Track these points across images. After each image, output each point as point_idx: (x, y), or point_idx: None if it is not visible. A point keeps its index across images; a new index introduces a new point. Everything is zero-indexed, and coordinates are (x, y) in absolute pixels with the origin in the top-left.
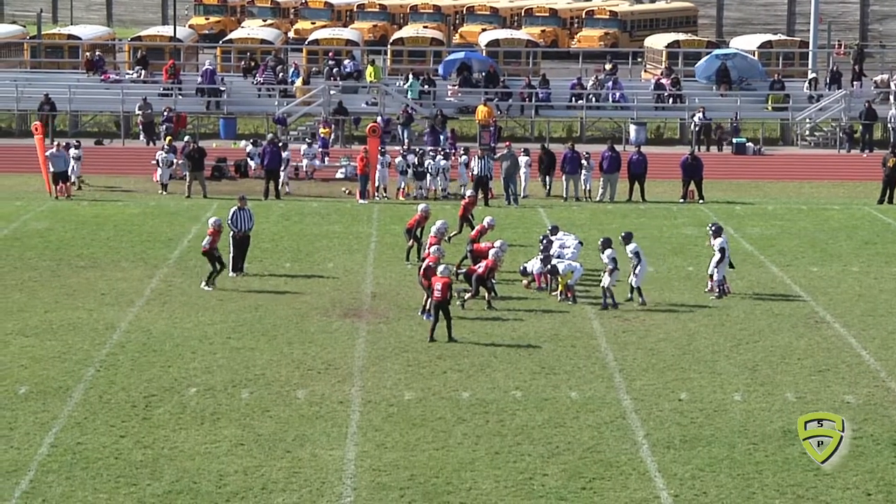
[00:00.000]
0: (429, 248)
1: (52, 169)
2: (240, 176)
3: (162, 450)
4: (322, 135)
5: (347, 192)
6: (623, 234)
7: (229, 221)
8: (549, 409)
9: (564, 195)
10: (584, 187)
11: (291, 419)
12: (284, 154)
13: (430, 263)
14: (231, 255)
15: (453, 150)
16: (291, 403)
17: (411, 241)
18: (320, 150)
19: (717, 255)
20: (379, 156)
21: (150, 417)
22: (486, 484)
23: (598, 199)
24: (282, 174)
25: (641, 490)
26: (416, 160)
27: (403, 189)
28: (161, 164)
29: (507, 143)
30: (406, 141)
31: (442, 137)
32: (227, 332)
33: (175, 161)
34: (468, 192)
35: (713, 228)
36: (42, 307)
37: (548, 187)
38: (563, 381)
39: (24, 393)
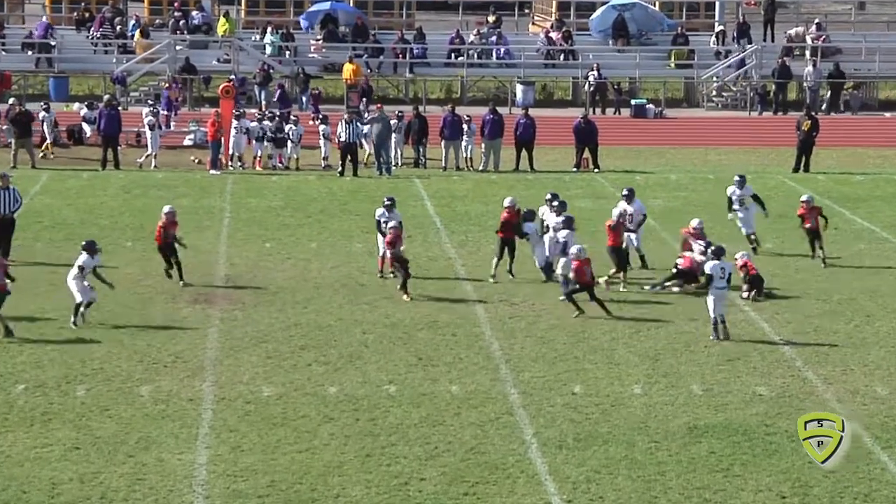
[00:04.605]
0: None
1: None
2: (74, 143)
3: None
4: (168, 97)
5: (197, 160)
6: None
7: None
8: (426, 406)
9: (444, 164)
10: (464, 155)
11: (134, 419)
12: (153, 118)
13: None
14: None
15: (316, 114)
16: (134, 402)
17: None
18: (165, 113)
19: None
20: (234, 120)
21: None
22: (356, 490)
23: (480, 167)
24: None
25: (530, 495)
26: (274, 125)
27: (260, 158)
28: None
29: (378, 106)
30: (263, 103)
31: (304, 99)
32: (59, 322)
33: None
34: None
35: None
36: None
37: (422, 157)
38: (442, 374)
39: None
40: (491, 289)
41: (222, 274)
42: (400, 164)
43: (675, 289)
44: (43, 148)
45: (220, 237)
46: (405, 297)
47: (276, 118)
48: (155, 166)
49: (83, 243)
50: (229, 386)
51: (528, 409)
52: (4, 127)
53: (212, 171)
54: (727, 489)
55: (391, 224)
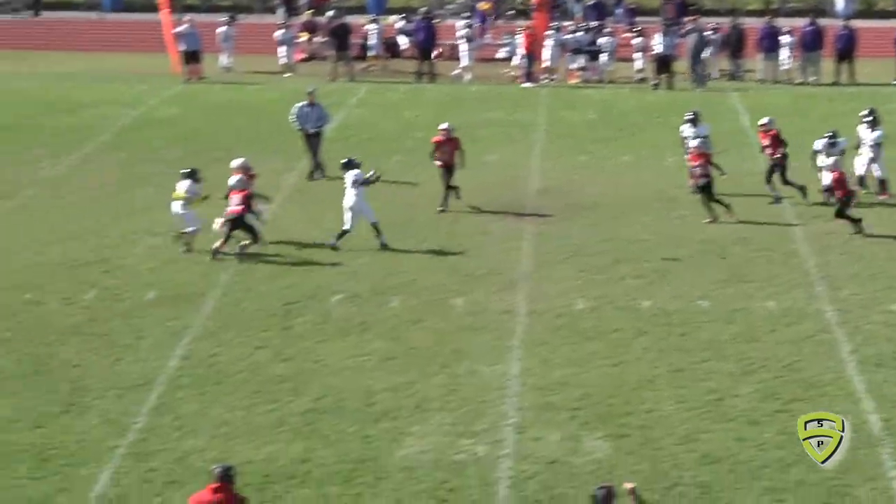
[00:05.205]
0: None
1: (182, 47)
2: (391, 56)
3: (303, 364)
4: (481, 10)
5: (511, 74)
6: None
7: (294, 118)
8: (740, 322)
9: (761, 77)
10: (783, 67)
11: (447, 331)
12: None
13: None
14: (310, 157)
15: (631, 26)
16: (447, 313)
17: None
18: (480, 25)
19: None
20: (548, 32)
21: (289, 327)
22: (667, 405)
23: (798, 80)
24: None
25: (847, 413)
26: (588, 38)
27: (574, 70)
28: (282, 44)
29: (695, 17)
30: (578, 15)
31: (619, 11)
32: (371, 233)
33: (297, 39)
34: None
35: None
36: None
37: (739, 70)
38: (756, 290)
39: (152, 299)
40: (805, 205)
41: (535, 188)
42: (716, 76)
43: None
44: (368, 59)
45: (532, 150)
46: (729, 215)
47: (591, 30)
48: (469, 79)
49: (344, 161)
50: (541, 299)
51: (844, 326)
52: (324, 40)
53: (525, 84)
54: None
55: (693, 144)
